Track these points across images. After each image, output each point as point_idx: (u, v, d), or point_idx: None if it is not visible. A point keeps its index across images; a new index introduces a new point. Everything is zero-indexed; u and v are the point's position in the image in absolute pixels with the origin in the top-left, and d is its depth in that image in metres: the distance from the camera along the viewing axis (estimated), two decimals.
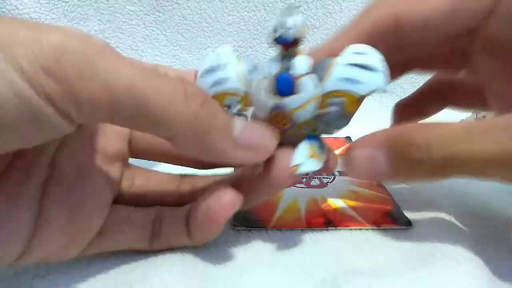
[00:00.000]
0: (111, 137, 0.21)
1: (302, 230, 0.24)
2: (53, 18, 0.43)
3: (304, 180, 0.30)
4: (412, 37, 0.22)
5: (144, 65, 0.16)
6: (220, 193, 0.19)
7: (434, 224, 0.24)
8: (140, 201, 0.21)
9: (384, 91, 0.18)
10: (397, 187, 0.29)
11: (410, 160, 0.19)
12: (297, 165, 0.19)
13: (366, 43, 0.19)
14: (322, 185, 0.30)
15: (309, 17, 0.47)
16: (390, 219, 0.25)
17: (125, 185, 0.22)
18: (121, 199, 0.21)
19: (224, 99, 0.19)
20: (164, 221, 0.20)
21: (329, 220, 0.25)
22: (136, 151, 0.22)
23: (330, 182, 0.30)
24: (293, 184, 0.27)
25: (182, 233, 0.20)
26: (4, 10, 0.41)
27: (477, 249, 0.22)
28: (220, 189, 0.19)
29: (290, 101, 0.18)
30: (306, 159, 0.19)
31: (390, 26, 0.22)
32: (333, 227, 0.24)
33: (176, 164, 0.24)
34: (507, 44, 0.22)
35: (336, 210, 0.26)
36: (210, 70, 0.19)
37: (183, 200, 0.22)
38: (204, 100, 0.16)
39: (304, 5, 0.46)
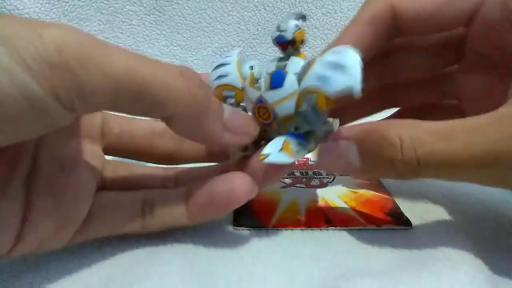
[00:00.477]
0: (85, 134, 0.22)
1: (302, 230, 0.24)
2: (53, 18, 0.43)
3: (304, 180, 0.30)
4: (408, 28, 0.23)
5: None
6: (229, 176, 0.20)
7: (434, 225, 0.24)
8: (127, 187, 0.22)
9: (356, 93, 0.17)
10: (397, 187, 0.29)
11: (381, 157, 0.18)
12: (266, 155, 0.19)
13: (368, 37, 0.19)
14: (322, 185, 0.30)
15: (309, 17, 0.47)
16: (390, 219, 0.25)
17: (108, 175, 0.22)
18: (106, 187, 0.22)
19: (223, 91, 0.22)
20: (157, 202, 0.21)
21: (329, 220, 0.25)
22: (111, 152, 0.23)
23: (330, 182, 0.30)
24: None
25: (179, 213, 0.20)
26: (4, 10, 0.41)
27: (477, 249, 0.22)
28: (231, 174, 0.20)
29: (269, 95, 0.20)
30: (277, 151, 0.19)
31: (388, 17, 0.23)
32: (333, 227, 0.24)
33: (147, 161, 0.25)
34: (488, 53, 0.22)
35: (336, 210, 0.26)
36: (217, 66, 0.23)
37: (169, 185, 0.23)
38: (200, 82, 0.17)
39: (304, 5, 0.46)
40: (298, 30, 0.19)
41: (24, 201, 0.17)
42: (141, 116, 0.17)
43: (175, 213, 0.20)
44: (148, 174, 0.24)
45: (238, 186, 0.19)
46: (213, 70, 0.23)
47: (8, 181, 0.17)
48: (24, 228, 0.17)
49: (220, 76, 0.22)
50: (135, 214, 0.20)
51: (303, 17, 0.19)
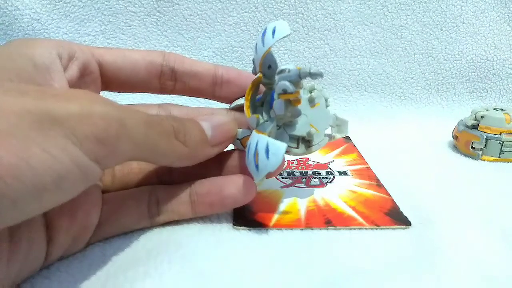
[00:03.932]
0: None
1: (301, 230, 0.24)
2: (54, 19, 0.43)
3: (304, 180, 0.30)
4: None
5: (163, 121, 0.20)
6: (237, 179, 0.23)
7: (433, 224, 0.25)
8: (127, 185, 0.24)
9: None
10: (398, 188, 0.29)
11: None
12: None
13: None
14: (322, 185, 0.30)
15: (308, 18, 0.47)
16: (390, 219, 0.25)
17: (108, 176, 0.25)
18: (109, 187, 0.24)
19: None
20: (162, 201, 0.23)
21: (328, 220, 0.25)
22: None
23: (330, 182, 0.30)
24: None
25: (185, 209, 0.23)
26: (5, 10, 0.42)
27: (477, 249, 0.22)
28: (238, 178, 0.23)
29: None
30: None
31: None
32: (332, 227, 0.24)
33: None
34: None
35: (335, 210, 0.26)
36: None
37: (167, 181, 0.25)
38: (184, 133, 0.21)
39: (303, 6, 0.46)
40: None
41: (44, 225, 0.19)
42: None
43: (180, 209, 0.23)
44: (145, 170, 0.25)
45: (246, 188, 0.23)
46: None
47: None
48: (50, 247, 0.20)
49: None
50: (142, 215, 0.23)
51: (314, 75, 0.21)
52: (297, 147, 0.25)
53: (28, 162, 0.14)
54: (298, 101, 0.22)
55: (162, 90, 0.26)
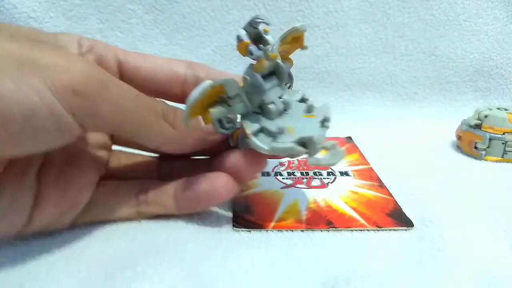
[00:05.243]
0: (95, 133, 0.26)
1: (302, 231, 0.24)
2: (51, 17, 0.43)
3: (305, 181, 0.30)
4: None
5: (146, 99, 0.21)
6: (214, 176, 0.23)
7: (436, 225, 0.24)
8: (127, 176, 0.26)
9: None
10: (400, 188, 0.29)
11: None
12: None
13: None
14: (323, 185, 0.29)
15: (309, 15, 0.47)
16: (391, 220, 0.25)
17: (113, 164, 0.26)
18: (110, 176, 0.25)
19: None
20: (151, 193, 0.24)
21: (329, 221, 0.24)
22: (118, 142, 0.27)
23: (331, 183, 0.30)
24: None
25: (169, 203, 0.24)
26: (2, 9, 0.41)
27: (480, 250, 0.22)
28: (215, 174, 0.23)
29: None
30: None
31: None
32: (333, 228, 0.24)
33: (149, 152, 0.28)
34: None
35: (336, 211, 0.26)
36: None
37: (163, 177, 0.26)
38: (175, 115, 0.22)
39: (304, 3, 0.46)
40: None
41: (35, 191, 0.21)
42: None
43: (165, 203, 0.24)
44: (148, 164, 0.27)
45: (219, 185, 0.22)
46: None
47: (23, 174, 0.21)
48: (34, 213, 0.21)
49: None
50: (130, 203, 0.24)
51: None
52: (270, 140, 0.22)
53: None
54: (260, 64, 0.21)
55: (183, 99, 0.26)
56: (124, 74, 0.24)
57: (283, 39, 0.22)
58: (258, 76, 0.21)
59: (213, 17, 0.45)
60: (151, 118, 0.21)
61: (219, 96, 0.21)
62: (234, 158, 0.23)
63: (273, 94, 0.22)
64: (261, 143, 0.21)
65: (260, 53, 0.21)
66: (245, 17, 0.46)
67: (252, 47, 0.21)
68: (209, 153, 0.26)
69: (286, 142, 0.21)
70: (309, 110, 0.23)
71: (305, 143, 0.21)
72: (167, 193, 0.24)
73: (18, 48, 0.17)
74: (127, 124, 0.20)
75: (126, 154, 0.27)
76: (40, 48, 0.18)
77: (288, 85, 0.25)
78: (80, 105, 0.18)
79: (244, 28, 0.21)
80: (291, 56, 0.24)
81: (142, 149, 0.28)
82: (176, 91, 0.24)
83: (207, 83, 0.20)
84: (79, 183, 0.23)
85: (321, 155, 0.21)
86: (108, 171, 0.26)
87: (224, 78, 0.21)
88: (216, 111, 0.21)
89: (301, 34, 0.23)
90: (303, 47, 0.24)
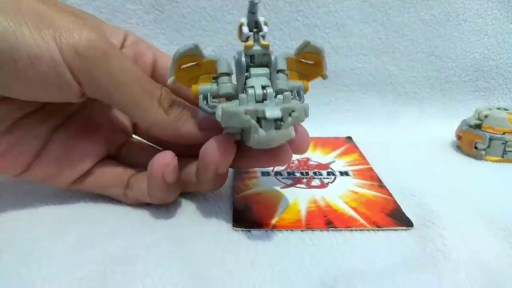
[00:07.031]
0: (122, 116, 0.29)
1: (302, 231, 0.24)
2: None
3: (305, 181, 0.30)
4: None
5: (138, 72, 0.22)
6: (159, 154, 0.23)
7: (436, 225, 0.24)
8: (132, 163, 0.27)
9: None
10: (400, 188, 0.29)
11: None
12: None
13: None
14: (323, 185, 0.29)
15: (309, 15, 0.47)
16: (391, 220, 0.25)
17: (125, 148, 0.28)
18: (117, 158, 0.28)
19: None
20: (138, 179, 0.26)
21: (329, 221, 0.24)
22: (139, 133, 0.30)
23: (331, 183, 0.30)
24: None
25: (144, 190, 0.25)
26: None
27: (480, 250, 0.22)
28: (161, 152, 0.23)
29: None
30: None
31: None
32: (333, 228, 0.24)
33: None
34: None
35: (336, 211, 0.26)
36: None
37: None
38: (170, 102, 0.23)
39: (304, 3, 0.46)
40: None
41: (43, 143, 0.24)
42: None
43: (142, 189, 0.25)
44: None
45: (158, 162, 0.23)
46: None
47: (41, 124, 0.24)
48: (34, 162, 0.24)
49: None
50: (119, 186, 0.26)
51: None
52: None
53: (15, 32, 0.19)
54: (248, 44, 0.21)
55: None
56: (156, 70, 0.27)
57: (298, 54, 0.23)
58: (243, 54, 0.22)
59: (213, 17, 0.45)
60: (144, 97, 0.22)
61: (212, 76, 0.23)
62: (206, 144, 0.22)
63: (257, 81, 0.22)
64: (218, 108, 0.21)
65: (250, 33, 0.21)
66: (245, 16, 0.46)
67: (244, 28, 0.21)
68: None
69: (237, 107, 0.20)
70: (285, 101, 0.20)
71: (260, 119, 0.19)
72: (144, 180, 0.25)
73: (45, 8, 0.20)
74: (120, 96, 0.21)
75: (141, 144, 0.29)
76: (63, 14, 0.21)
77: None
78: (79, 66, 0.20)
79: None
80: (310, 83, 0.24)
81: (159, 145, 0.29)
82: None
83: (193, 43, 0.22)
84: (85, 150, 0.25)
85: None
86: (118, 153, 0.28)
87: (217, 55, 0.23)
88: (203, 86, 0.23)
89: (319, 57, 0.23)
90: (323, 77, 0.24)
